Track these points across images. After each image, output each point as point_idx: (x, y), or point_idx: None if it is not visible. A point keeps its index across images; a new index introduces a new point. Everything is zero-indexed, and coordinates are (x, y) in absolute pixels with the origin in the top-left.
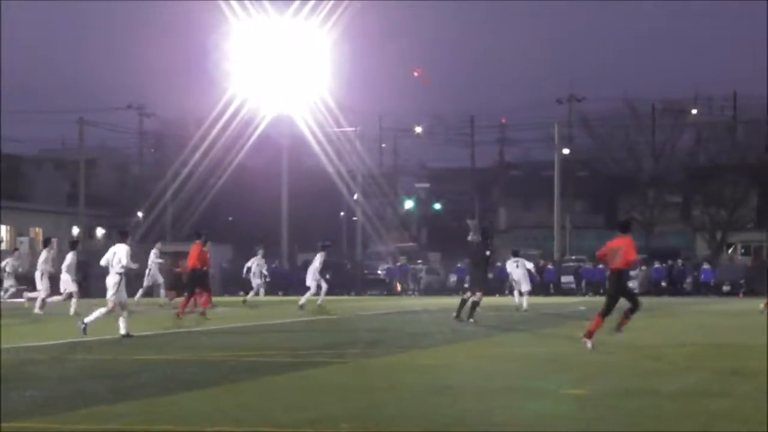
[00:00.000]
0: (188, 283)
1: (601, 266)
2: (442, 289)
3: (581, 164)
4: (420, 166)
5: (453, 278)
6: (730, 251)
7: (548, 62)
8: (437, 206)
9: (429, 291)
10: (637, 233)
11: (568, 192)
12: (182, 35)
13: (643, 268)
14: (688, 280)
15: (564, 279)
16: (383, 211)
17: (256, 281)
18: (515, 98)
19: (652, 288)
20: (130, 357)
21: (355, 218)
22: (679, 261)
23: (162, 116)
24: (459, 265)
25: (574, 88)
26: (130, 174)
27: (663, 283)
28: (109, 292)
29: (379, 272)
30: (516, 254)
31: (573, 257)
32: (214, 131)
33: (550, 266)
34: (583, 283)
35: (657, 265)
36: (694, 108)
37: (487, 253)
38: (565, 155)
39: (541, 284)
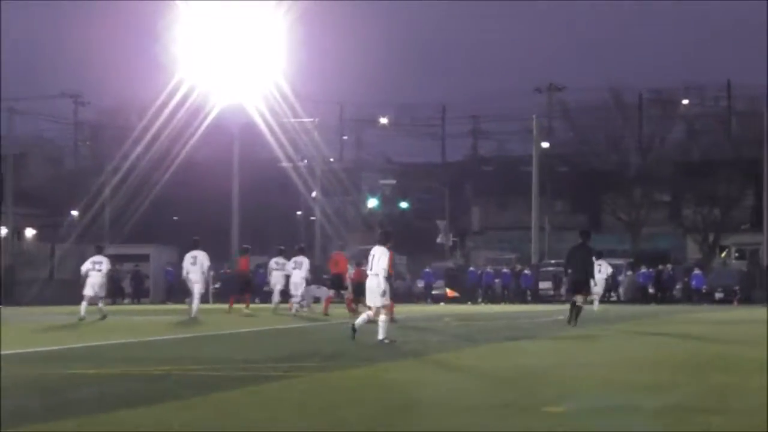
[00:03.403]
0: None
1: None
2: (409, 296)
3: (562, 159)
4: (385, 161)
5: (420, 284)
6: (723, 255)
7: (526, 48)
8: (404, 205)
9: (395, 298)
10: (622, 235)
11: (548, 190)
12: (123, 16)
13: (629, 273)
14: (678, 286)
15: (542, 285)
16: (344, 210)
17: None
18: (490, 87)
19: (638, 295)
20: (63, 371)
21: (313, 218)
22: (668, 265)
23: (100, 105)
24: (427, 269)
25: (555, 76)
26: (64, 168)
27: (650, 290)
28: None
29: None
30: (598, 256)
31: (552, 261)
32: (159, 121)
33: (527, 271)
34: (563, 290)
35: (644, 269)
36: (685, 98)
37: (593, 258)
38: (544, 149)
39: (517, 291)
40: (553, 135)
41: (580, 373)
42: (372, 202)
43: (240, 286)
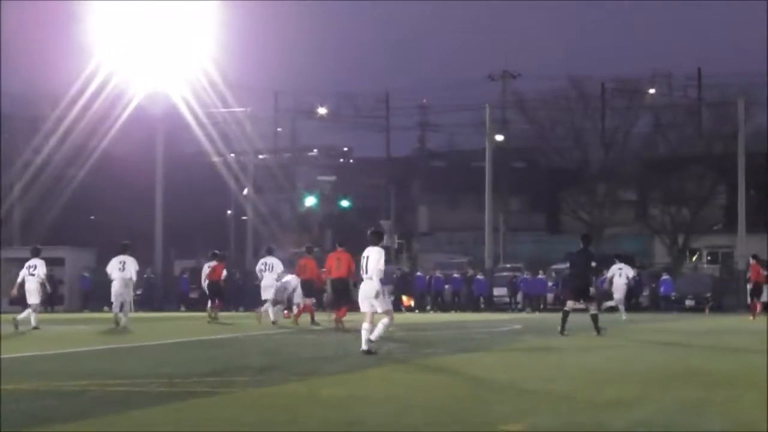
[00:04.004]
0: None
1: (541, 277)
2: (350, 304)
3: (517, 154)
4: (324, 155)
5: None
6: (694, 258)
7: (478, 32)
8: (344, 204)
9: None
10: None
11: (503, 187)
12: None
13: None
14: (645, 293)
15: (497, 291)
16: (279, 210)
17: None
18: (439, 74)
19: (601, 302)
20: None
21: (244, 217)
22: (634, 270)
23: (7, 92)
24: None
25: (509, 63)
26: None
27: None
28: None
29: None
30: (620, 259)
31: (508, 266)
32: (74, 111)
33: (480, 276)
34: (520, 297)
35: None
36: (652, 87)
37: (593, 264)
38: (498, 143)
39: (469, 298)
40: (507, 127)
41: (539, 387)
42: (309, 201)
43: (212, 294)
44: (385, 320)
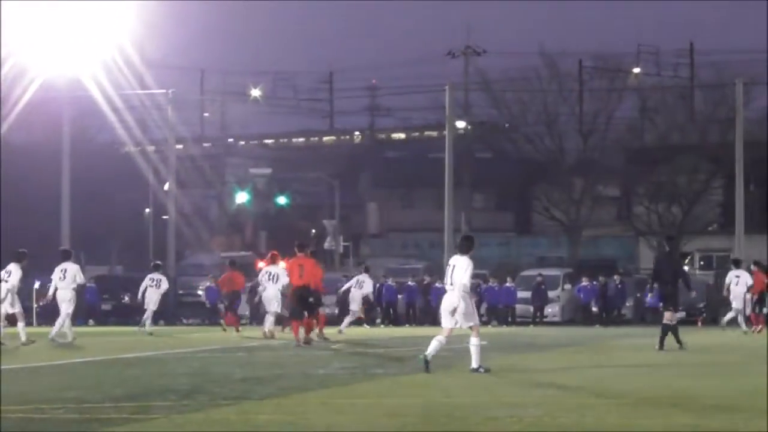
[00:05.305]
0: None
1: (510, 285)
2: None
3: (482, 143)
4: (258, 144)
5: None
6: (685, 264)
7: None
8: (281, 200)
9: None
10: (557, 238)
11: (465, 181)
12: None
13: (567, 286)
14: (629, 303)
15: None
16: (206, 207)
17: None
18: (391, 50)
19: (578, 314)
20: None
21: (165, 216)
22: (616, 277)
23: None
24: None
25: (472, 37)
26: None
27: (593, 308)
28: None
29: (199, 293)
30: (737, 264)
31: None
32: None
33: (438, 284)
34: (484, 308)
35: (585, 282)
36: (637, 66)
37: (684, 268)
38: (460, 130)
39: (426, 309)
40: (471, 112)
41: (506, 414)
42: (241, 197)
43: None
44: (474, 340)
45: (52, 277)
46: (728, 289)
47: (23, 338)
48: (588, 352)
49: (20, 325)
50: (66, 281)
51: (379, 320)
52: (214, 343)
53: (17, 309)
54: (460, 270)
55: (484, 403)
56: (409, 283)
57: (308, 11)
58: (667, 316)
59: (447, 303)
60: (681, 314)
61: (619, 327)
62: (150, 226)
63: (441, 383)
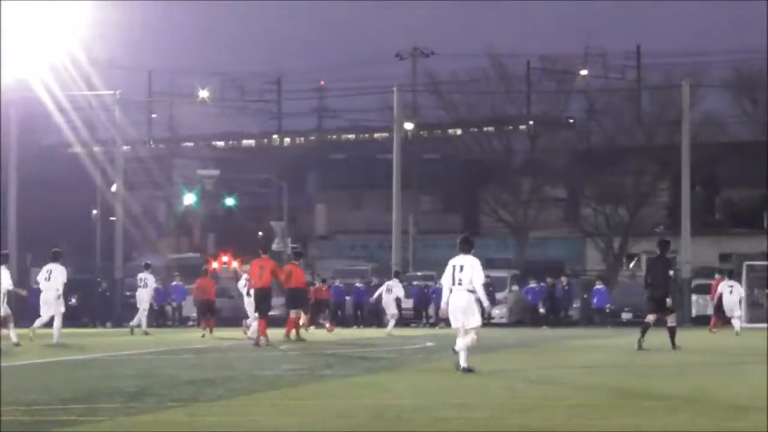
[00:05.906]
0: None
1: None
2: (238, 317)
3: (430, 144)
4: (206, 145)
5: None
6: (632, 265)
7: (384, 2)
8: (229, 202)
9: (220, 320)
10: (504, 240)
11: (413, 183)
12: None
13: (514, 288)
14: (576, 305)
15: (405, 304)
16: (154, 209)
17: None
18: (339, 52)
19: (526, 316)
20: None
21: (113, 218)
22: (563, 279)
23: None
24: None
25: (420, 39)
26: None
27: (540, 309)
28: None
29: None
30: (731, 275)
31: (418, 274)
32: None
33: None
34: (431, 310)
35: (532, 284)
36: (584, 68)
37: (671, 272)
38: (408, 131)
39: (374, 312)
40: (418, 113)
41: (454, 415)
42: (188, 198)
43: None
44: (472, 336)
45: (38, 278)
46: (719, 299)
47: (14, 339)
48: (536, 353)
49: (10, 326)
50: (50, 283)
51: (325, 321)
52: (162, 344)
53: (5, 312)
54: (475, 271)
55: (432, 404)
56: (357, 284)
57: (256, 12)
58: (671, 319)
59: (456, 303)
60: (629, 315)
61: (567, 328)
62: (97, 227)
63: (390, 385)
